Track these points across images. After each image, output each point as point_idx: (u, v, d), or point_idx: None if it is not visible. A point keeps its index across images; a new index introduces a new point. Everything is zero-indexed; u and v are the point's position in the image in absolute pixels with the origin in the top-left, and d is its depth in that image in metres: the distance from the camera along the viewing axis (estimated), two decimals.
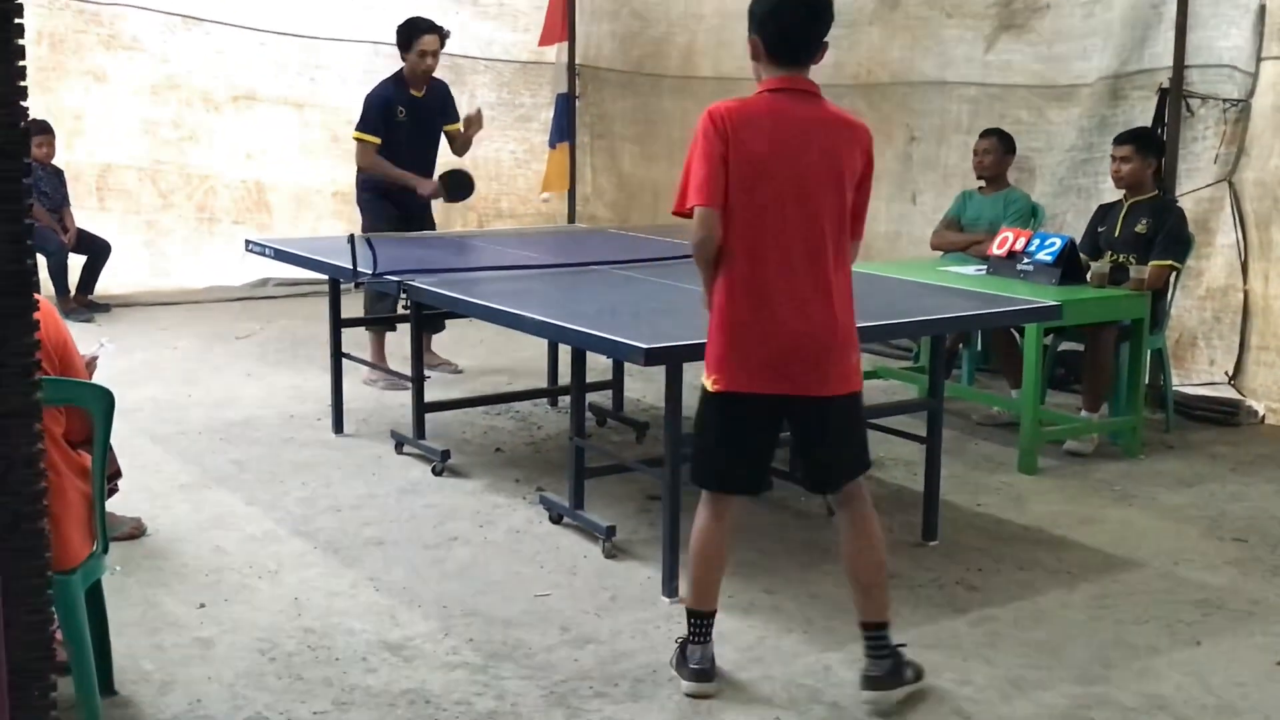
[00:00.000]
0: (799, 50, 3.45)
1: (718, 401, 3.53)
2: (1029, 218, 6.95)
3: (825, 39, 3.47)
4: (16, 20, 1.64)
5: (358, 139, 7.18)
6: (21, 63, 1.65)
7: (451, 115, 7.46)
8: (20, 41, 1.64)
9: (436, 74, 7.33)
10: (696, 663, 3.61)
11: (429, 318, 6.04)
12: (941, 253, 7.04)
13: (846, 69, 8.85)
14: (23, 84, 1.66)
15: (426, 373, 5.95)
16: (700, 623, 3.65)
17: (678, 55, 10.29)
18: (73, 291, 8.89)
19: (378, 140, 7.08)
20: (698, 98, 10.15)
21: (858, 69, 8.79)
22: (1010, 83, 7.84)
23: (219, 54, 9.92)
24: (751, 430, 3.57)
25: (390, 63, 10.29)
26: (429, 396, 5.89)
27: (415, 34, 7.12)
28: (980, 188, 7.10)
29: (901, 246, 8.51)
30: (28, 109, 1.67)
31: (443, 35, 7.19)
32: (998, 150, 6.96)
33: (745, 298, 3.44)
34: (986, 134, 7.09)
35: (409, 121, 7.16)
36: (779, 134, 3.41)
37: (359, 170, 7.29)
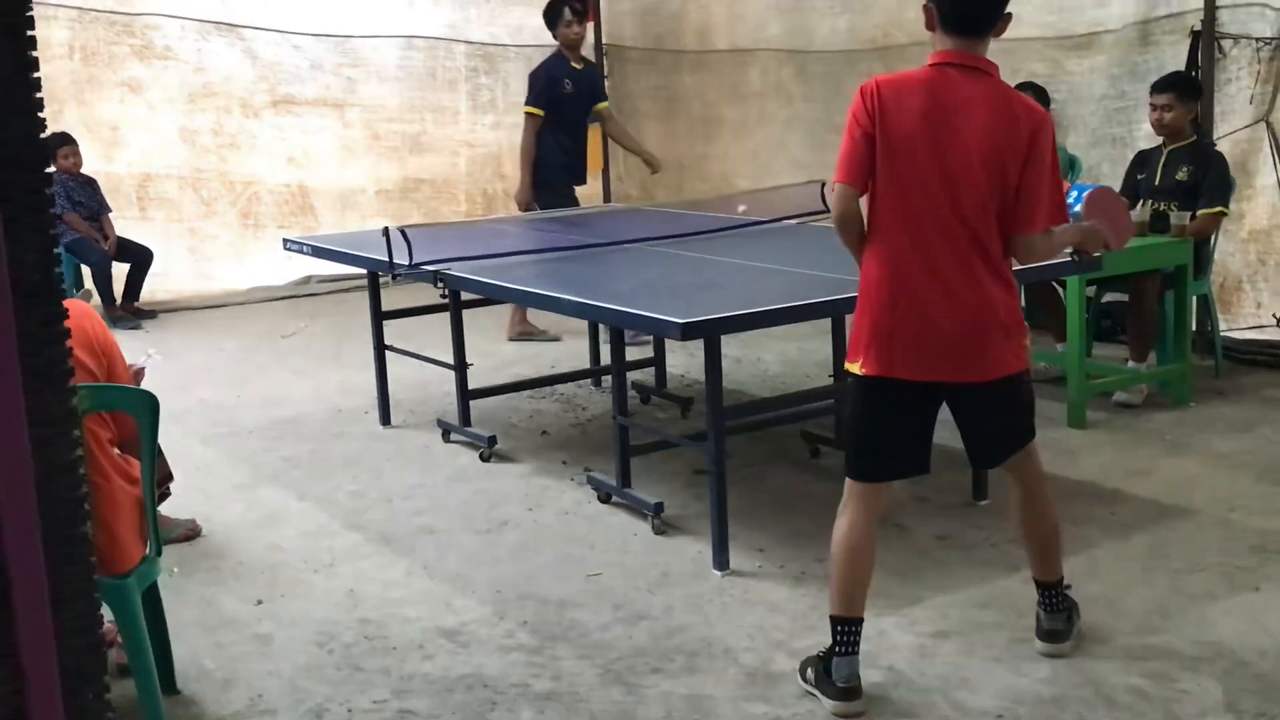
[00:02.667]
0: (972, 20, 3.26)
1: (863, 385, 3.37)
2: (1066, 170, 6.87)
3: (1007, 9, 3.26)
4: (29, 32, 1.66)
5: (528, 112, 7.55)
6: (36, 74, 1.67)
7: (600, 93, 7.89)
8: (33, 53, 1.66)
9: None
10: (844, 680, 3.34)
11: None
12: None
13: (863, 33, 8.80)
14: (39, 95, 1.68)
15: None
16: (848, 631, 3.38)
17: (693, 31, 10.27)
18: (119, 300, 8.97)
19: (542, 112, 7.47)
20: (716, 71, 10.15)
21: (874, 32, 8.73)
22: (1021, 35, 7.74)
23: (254, 59, 9.95)
24: (903, 414, 3.38)
25: (424, 55, 10.44)
26: (472, 384, 5.92)
27: (558, 6, 7.53)
28: None
29: None
30: (44, 120, 1.69)
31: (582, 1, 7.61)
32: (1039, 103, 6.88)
33: (890, 280, 3.27)
34: (1022, 87, 7.00)
35: (574, 94, 7.56)
36: (941, 109, 3.21)
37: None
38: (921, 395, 3.34)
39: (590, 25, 10.58)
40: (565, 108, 7.55)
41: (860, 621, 3.40)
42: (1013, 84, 7.14)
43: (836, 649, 3.37)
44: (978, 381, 3.32)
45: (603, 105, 7.90)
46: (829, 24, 9.04)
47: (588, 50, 10.72)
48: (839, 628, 3.38)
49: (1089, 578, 4.08)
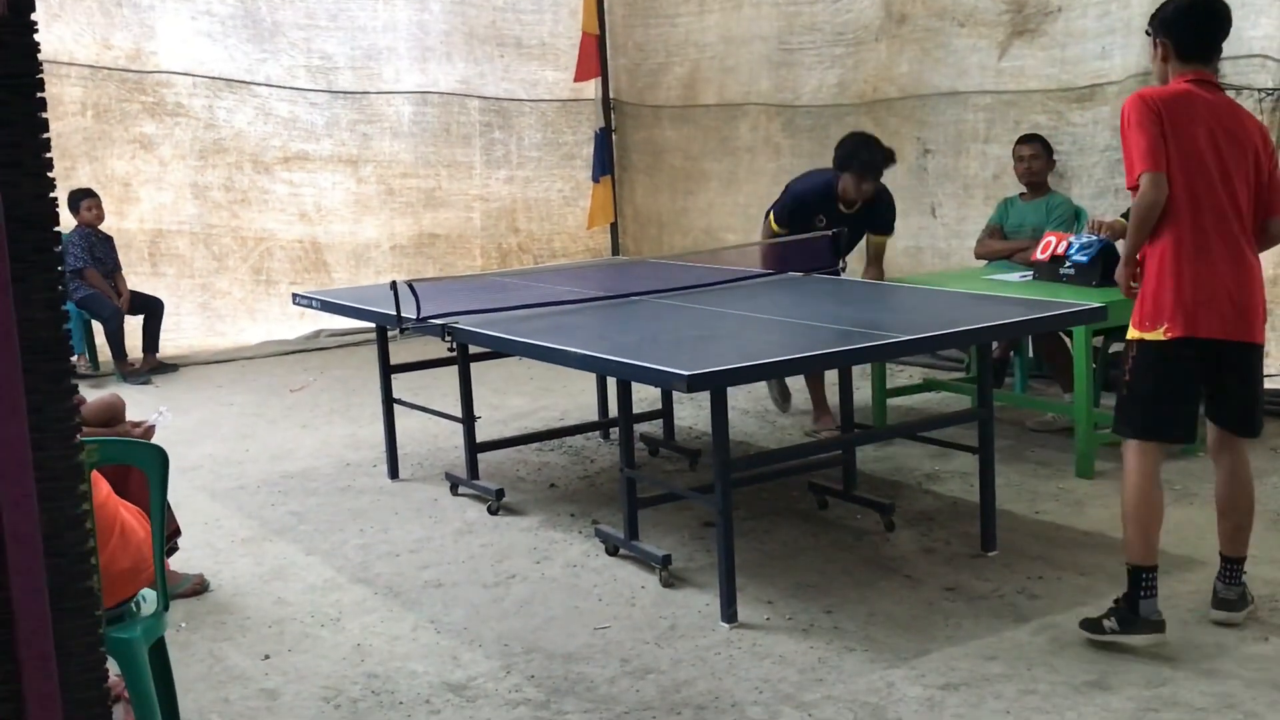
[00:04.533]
0: (1207, 49, 3.99)
1: (1162, 350, 3.91)
2: (1072, 221, 6.90)
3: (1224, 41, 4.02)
4: (39, 94, 1.70)
5: (772, 227, 6.84)
6: (46, 134, 1.71)
7: (878, 227, 6.94)
8: (43, 114, 1.70)
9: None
10: (1154, 614, 3.88)
11: None
12: (986, 262, 7.01)
13: (852, 89, 8.89)
14: (48, 155, 1.71)
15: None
16: (1150, 576, 3.90)
17: (678, 85, 10.36)
18: (130, 354, 9.01)
19: (783, 230, 6.74)
20: (700, 125, 10.22)
21: (864, 87, 8.82)
22: (1024, 88, 7.81)
23: (267, 115, 10.05)
24: (1193, 376, 3.96)
25: (438, 111, 10.55)
26: (480, 436, 5.94)
27: (858, 162, 6.56)
28: (1022, 194, 7.07)
29: (924, 260, 8.49)
30: (54, 179, 1.72)
31: (873, 175, 6.60)
32: (1044, 156, 6.95)
33: (1193, 253, 3.85)
34: (1029, 139, 7.05)
35: (825, 227, 6.58)
36: (1201, 115, 3.87)
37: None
38: (1208, 357, 3.91)
39: (597, 80, 10.74)
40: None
41: (1156, 568, 3.93)
42: (1015, 135, 7.27)
43: (1142, 593, 3.88)
44: (1249, 342, 3.95)
45: (878, 238, 6.96)
46: (818, 78, 9.11)
47: (594, 106, 10.88)
48: (1142, 575, 3.90)
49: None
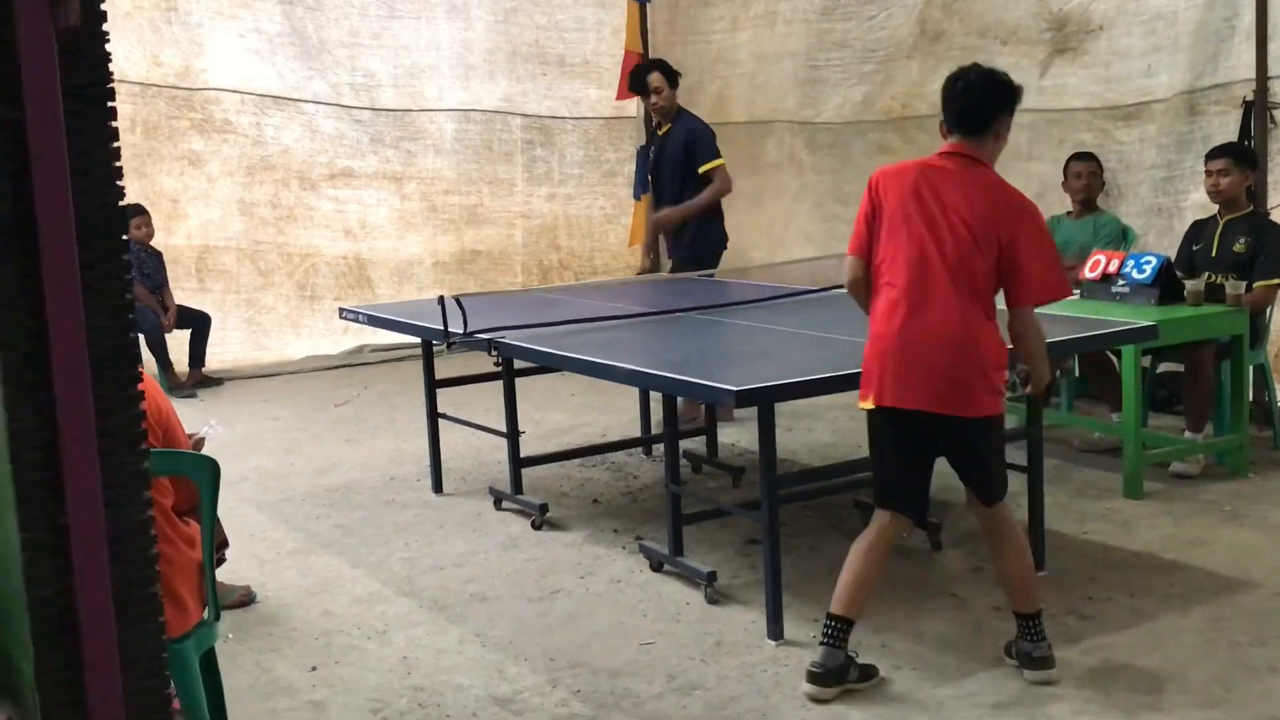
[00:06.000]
0: (961, 122, 3.83)
1: (872, 419, 3.90)
2: (1120, 240, 6.86)
3: (1004, 116, 3.84)
4: (110, 104, 1.72)
5: (720, 165, 7.37)
6: (115, 144, 1.73)
7: (696, 158, 7.39)
8: (113, 124, 1.71)
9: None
10: (831, 661, 3.82)
11: None
12: None
13: (877, 105, 8.85)
14: (118, 164, 1.73)
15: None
16: (837, 625, 3.86)
17: (709, 102, 10.35)
18: (178, 368, 9.08)
19: (643, 199, 7.52)
20: (730, 143, 10.21)
21: (891, 104, 8.79)
22: (1067, 106, 7.77)
23: (313, 133, 10.13)
24: (903, 445, 3.87)
25: (480, 128, 10.61)
26: (524, 451, 5.95)
27: (636, 81, 7.50)
28: (1069, 212, 7.03)
29: None
30: (123, 188, 1.74)
31: (660, 69, 7.43)
32: (1098, 173, 6.92)
33: (898, 326, 3.76)
34: (1084, 157, 7.02)
35: (654, 161, 7.54)
36: (920, 184, 3.78)
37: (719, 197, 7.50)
38: (919, 427, 3.75)
39: (639, 99, 10.76)
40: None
41: (850, 623, 3.84)
42: (1059, 153, 7.23)
43: (825, 639, 3.81)
44: (963, 416, 3.71)
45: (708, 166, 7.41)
46: (842, 95, 9.09)
47: (636, 124, 10.91)
48: (833, 621, 3.83)
49: (1148, 650, 4.03)
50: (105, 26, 1.71)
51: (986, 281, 3.72)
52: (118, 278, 1.73)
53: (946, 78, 3.89)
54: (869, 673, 3.87)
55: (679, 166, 7.37)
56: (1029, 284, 3.71)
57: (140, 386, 3.23)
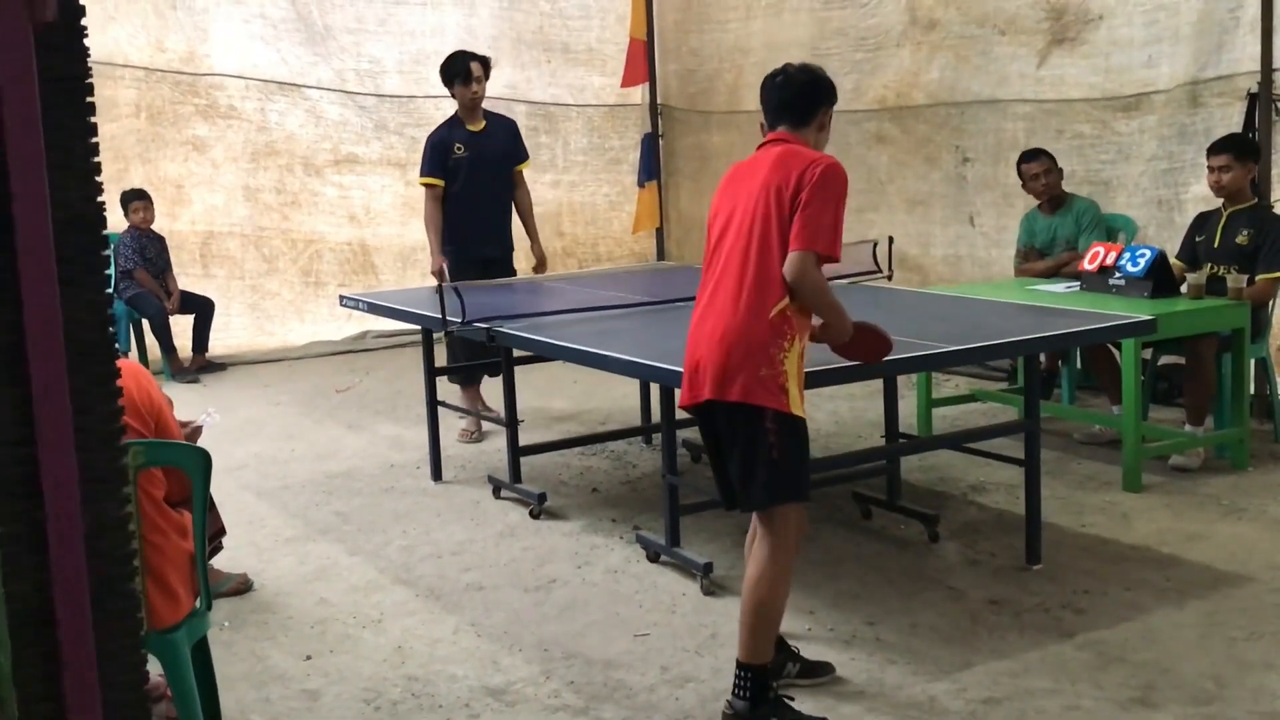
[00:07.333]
0: (771, 113, 3.80)
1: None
2: (1102, 223, 6.83)
3: (821, 105, 3.80)
4: (88, 98, 1.71)
5: (423, 184, 7.16)
6: (94, 138, 1.72)
7: (519, 154, 7.36)
8: (91, 118, 1.70)
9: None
10: None
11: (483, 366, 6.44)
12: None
13: (869, 94, 8.80)
14: (96, 159, 1.72)
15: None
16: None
17: (725, 90, 10.33)
18: (181, 353, 9.10)
19: (440, 182, 7.06)
20: (744, 132, 10.20)
21: (883, 92, 8.75)
22: (1065, 97, 7.73)
23: (318, 119, 10.12)
24: (710, 441, 3.79)
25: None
26: (523, 440, 5.95)
27: (455, 66, 7.08)
28: (1039, 206, 6.99)
29: (964, 270, 8.41)
30: (101, 183, 1.73)
31: (483, 61, 7.14)
32: (1054, 169, 6.87)
33: (695, 320, 3.70)
34: (1034, 155, 6.94)
35: (469, 157, 7.08)
36: (734, 174, 3.79)
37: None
38: (713, 421, 3.65)
39: (644, 86, 10.73)
40: (461, 173, 7.06)
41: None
42: (1059, 144, 7.16)
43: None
44: (732, 401, 3.51)
45: (521, 167, 7.37)
46: (838, 83, 9.03)
47: (641, 111, 10.87)
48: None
49: (1143, 644, 4.02)
50: (85, 21, 1.70)
51: (782, 253, 3.52)
52: (96, 272, 1.73)
53: (764, 77, 3.85)
54: (815, 669, 3.87)
55: (507, 161, 7.28)
56: (801, 229, 3.47)
57: (130, 376, 3.25)
